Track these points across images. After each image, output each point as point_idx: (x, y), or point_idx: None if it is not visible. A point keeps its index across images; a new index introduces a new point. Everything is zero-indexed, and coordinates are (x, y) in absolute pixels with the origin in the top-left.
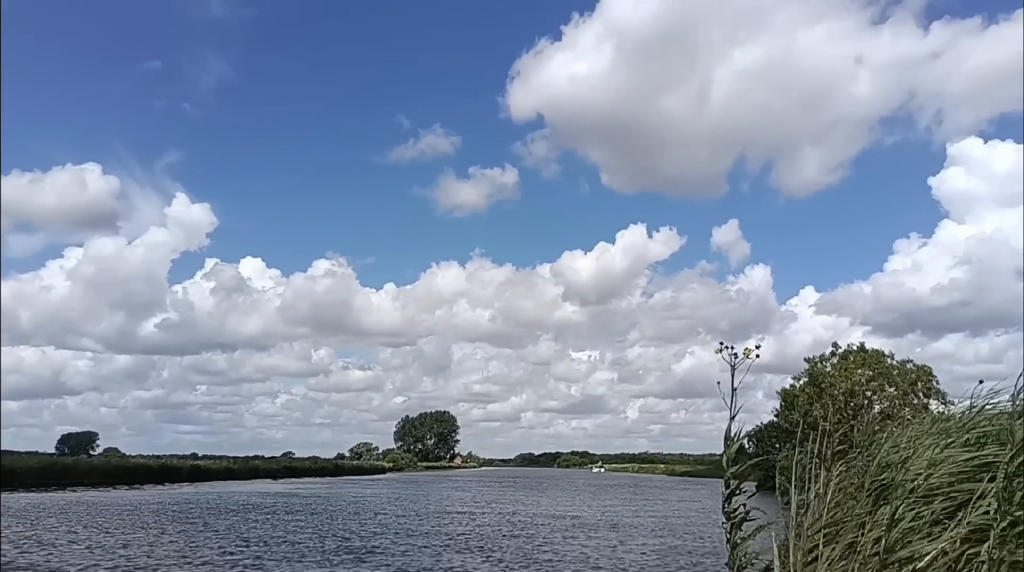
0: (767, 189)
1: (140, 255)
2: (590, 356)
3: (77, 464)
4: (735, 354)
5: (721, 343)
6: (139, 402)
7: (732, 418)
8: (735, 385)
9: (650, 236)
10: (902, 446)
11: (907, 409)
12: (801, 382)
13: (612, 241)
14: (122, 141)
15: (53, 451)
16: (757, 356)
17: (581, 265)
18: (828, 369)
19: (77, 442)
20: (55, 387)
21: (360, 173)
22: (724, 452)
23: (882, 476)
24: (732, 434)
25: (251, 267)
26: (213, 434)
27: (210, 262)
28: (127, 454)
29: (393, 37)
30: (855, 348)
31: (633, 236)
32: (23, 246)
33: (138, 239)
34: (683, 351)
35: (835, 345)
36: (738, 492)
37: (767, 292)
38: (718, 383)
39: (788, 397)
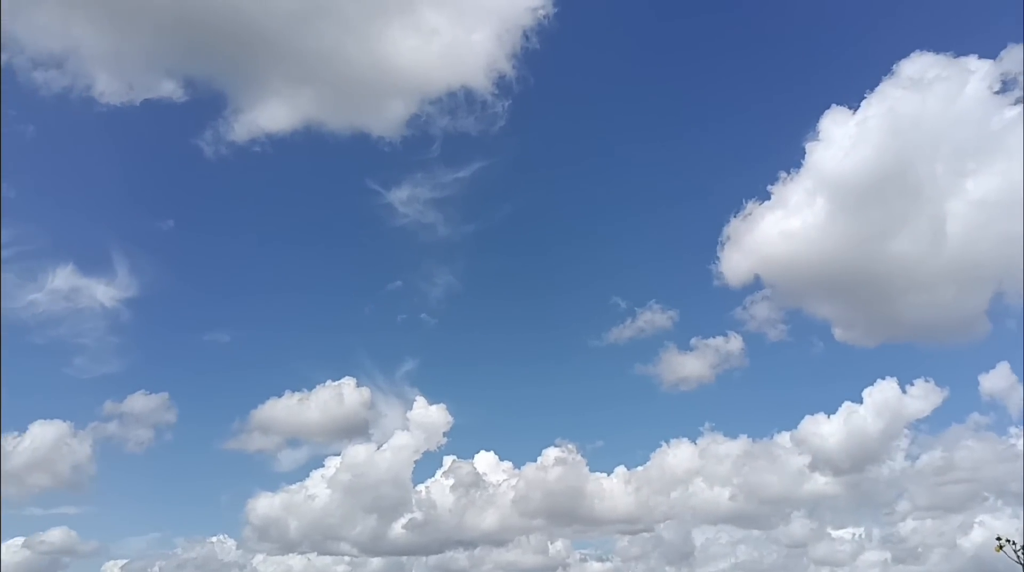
0: None
1: (388, 459)
2: (854, 534)
3: None
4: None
5: (999, 538)
6: None
7: None
8: None
9: (904, 391)
10: None
11: None
12: None
13: (859, 400)
14: (369, 355)
15: None
16: None
17: (826, 430)
18: None
19: None
20: None
21: (580, 357)
22: None
23: None
24: None
25: (485, 461)
26: None
27: (448, 460)
28: None
29: (601, 225)
30: None
31: (883, 393)
32: (291, 460)
33: (386, 444)
34: (969, 522)
35: None
36: None
37: None
38: None
39: None
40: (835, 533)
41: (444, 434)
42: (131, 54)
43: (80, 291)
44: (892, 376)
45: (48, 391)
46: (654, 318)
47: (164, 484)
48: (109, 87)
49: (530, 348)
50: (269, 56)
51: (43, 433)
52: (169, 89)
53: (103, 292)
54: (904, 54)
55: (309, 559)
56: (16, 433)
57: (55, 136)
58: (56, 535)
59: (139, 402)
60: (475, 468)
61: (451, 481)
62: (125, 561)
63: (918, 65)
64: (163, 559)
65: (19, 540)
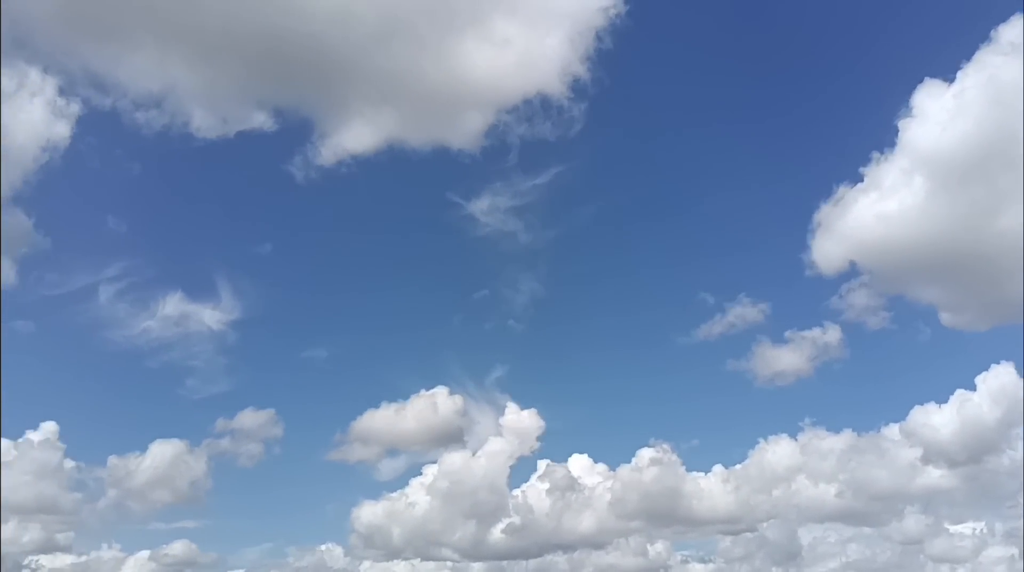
0: None
1: (483, 465)
2: (975, 529)
3: None
4: None
5: None
6: None
7: None
8: None
9: (1021, 375)
10: None
11: None
12: None
13: (972, 387)
14: (460, 363)
15: None
16: None
17: (938, 420)
18: None
19: None
20: None
21: (670, 356)
22: None
23: None
24: None
25: (579, 464)
26: None
27: (542, 464)
28: None
29: (683, 221)
30: None
31: (998, 378)
32: (391, 469)
33: (480, 450)
34: None
35: None
36: None
37: None
38: None
39: None
40: (953, 529)
41: (537, 438)
42: (223, 89)
43: (189, 316)
44: (1007, 360)
45: (164, 412)
46: (744, 312)
47: (275, 496)
48: (204, 122)
49: (618, 349)
50: (350, 80)
51: (162, 452)
52: (260, 120)
53: (210, 316)
54: (1002, 18)
55: (413, 565)
56: (138, 453)
57: (158, 172)
58: (178, 548)
59: (248, 418)
60: (570, 471)
61: (546, 485)
62: (242, 571)
63: (1018, 29)
64: (277, 568)
65: (145, 553)
